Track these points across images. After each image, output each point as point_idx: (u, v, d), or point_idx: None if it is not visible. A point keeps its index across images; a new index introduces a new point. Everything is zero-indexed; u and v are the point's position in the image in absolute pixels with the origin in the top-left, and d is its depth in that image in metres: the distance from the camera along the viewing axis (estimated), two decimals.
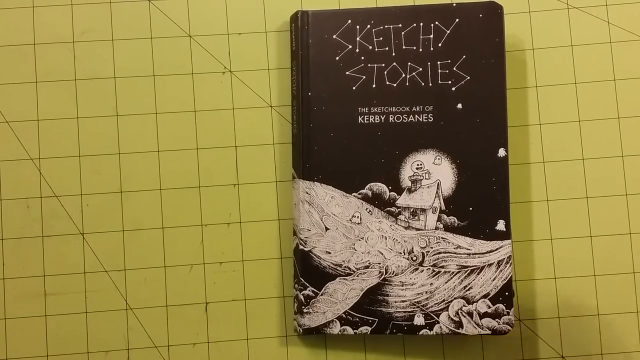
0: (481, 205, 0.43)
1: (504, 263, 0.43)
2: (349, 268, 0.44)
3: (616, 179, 0.47)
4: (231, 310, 0.46)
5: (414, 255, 0.44)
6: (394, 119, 0.44)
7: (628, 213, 0.47)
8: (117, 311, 0.46)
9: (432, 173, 0.44)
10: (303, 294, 0.44)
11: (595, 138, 0.47)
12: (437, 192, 0.44)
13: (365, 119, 0.44)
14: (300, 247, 0.44)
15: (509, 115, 0.45)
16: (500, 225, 0.43)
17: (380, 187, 0.44)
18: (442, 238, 0.44)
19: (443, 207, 0.44)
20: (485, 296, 0.43)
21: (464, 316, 0.43)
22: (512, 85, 0.47)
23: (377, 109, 0.44)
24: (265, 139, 0.47)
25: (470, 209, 0.43)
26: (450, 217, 0.44)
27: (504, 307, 0.43)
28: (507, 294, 0.43)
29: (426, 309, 0.43)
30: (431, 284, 0.44)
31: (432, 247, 0.44)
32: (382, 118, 0.44)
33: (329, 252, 0.44)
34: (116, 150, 0.47)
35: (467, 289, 0.43)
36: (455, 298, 0.43)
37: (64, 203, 0.46)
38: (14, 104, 0.47)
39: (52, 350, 0.46)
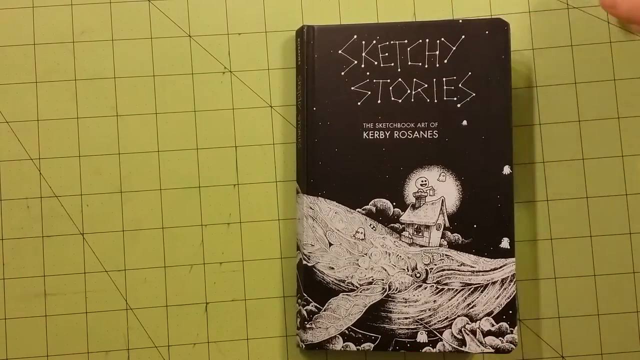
0: (485, 222, 0.43)
1: (507, 281, 0.43)
2: (352, 284, 0.44)
3: (616, 179, 0.47)
4: (231, 310, 0.46)
5: (418, 272, 0.43)
6: (398, 135, 0.44)
7: (628, 213, 0.47)
8: (117, 311, 0.46)
9: (437, 190, 0.44)
10: (306, 310, 0.44)
11: (595, 138, 0.47)
12: (441, 208, 0.43)
13: (370, 134, 0.44)
14: (304, 262, 0.44)
15: None
16: (505, 243, 0.43)
17: (384, 203, 0.44)
18: (446, 255, 0.43)
19: (447, 224, 0.43)
20: (488, 314, 0.43)
21: (467, 334, 0.43)
22: (512, 86, 0.47)
23: (382, 125, 0.44)
24: (265, 139, 0.47)
25: (475, 226, 0.43)
26: (454, 234, 0.43)
27: (507, 326, 0.43)
28: (510, 312, 0.43)
29: (429, 326, 0.43)
30: (434, 301, 0.43)
31: (435, 264, 0.43)
32: (387, 134, 0.44)
33: (333, 268, 0.44)
34: (116, 150, 0.47)
35: (470, 306, 0.43)
36: (458, 316, 0.43)
37: (64, 203, 0.46)
38: (14, 104, 0.47)
39: (52, 350, 0.46)
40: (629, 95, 0.47)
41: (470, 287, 0.43)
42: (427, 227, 0.43)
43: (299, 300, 0.44)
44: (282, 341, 0.46)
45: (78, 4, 0.47)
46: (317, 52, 0.44)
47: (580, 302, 0.47)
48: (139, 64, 0.47)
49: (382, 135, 0.44)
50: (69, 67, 0.47)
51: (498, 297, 0.43)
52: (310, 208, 0.44)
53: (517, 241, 0.47)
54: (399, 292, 0.43)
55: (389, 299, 0.43)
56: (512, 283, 0.43)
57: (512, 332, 0.43)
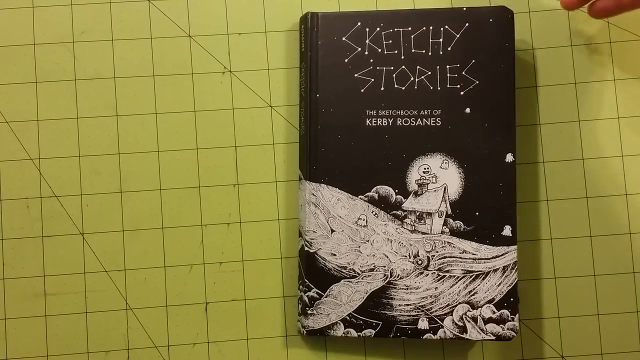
0: (488, 210, 0.43)
1: (509, 269, 0.43)
2: (354, 270, 0.44)
3: (616, 179, 0.47)
4: (231, 310, 0.46)
5: (419, 259, 0.44)
6: (401, 122, 0.44)
7: (628, 213, 0.47)
8: (117, 311, 0.46)
9: (439, 177, 0.44)
10: (308, 296, 0.44)
11: (595, 138, 0.47)
12: (443, 196, 0.43)
13: (373, 121, 0.44)
14: (306, 248, 0.44)
15: None
16: (507, 231, 0.43)
17: (386, 190, 0.44)
18: (448, 242, 0.43)
19: (449, 212, 0.43)
20: (490, 301, 0.43)
21: (469, 321, 0.43)
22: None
23: (385, 112, 0.44)
24: (265, 139, 0.47)
25: (477, 213, 0.43)
26: (456, 222, 0.43)
27: (508, 313, 0.43)
28: (512, 299, 0.43)
29: (430, 313, 0.43)
30: (436, 288, 0.43)
31: (437, 251, 0.43)
32: (390, 121, 0.44)
33: (334, 254, 0.44)
34: (116, 150, 0.47)
35: (472, 294, 0.43)
36: (459, 303, 0.43)
37: (64, 203, 0.46)
38: (14, 104, 0.47)
39: (52, 350, 0.46)
40: (629, 95, 0.47)
41: (471, 274, 0.43)
42: (429, 214, 0.44)
43: (301, 287, 0.44)
44: (282, 341, 0.46)
45: (78, 4, 0.47)
46: (321, 38, 0.44)
47: (580, 302, 0.47)
48: (139, 64, 0.47)
49: (385, 123, 0.44)
50: (69, 67, 0.47)
51: (499, 284, 0.43)
52: (313, 195, 0.44)
53: (517, 241, 0.47)
54: (400, 279, 0.44)
55: (391, 285, 0.44)
56: (514, 270, 0.43)
57: (513, 319, 0.43)
